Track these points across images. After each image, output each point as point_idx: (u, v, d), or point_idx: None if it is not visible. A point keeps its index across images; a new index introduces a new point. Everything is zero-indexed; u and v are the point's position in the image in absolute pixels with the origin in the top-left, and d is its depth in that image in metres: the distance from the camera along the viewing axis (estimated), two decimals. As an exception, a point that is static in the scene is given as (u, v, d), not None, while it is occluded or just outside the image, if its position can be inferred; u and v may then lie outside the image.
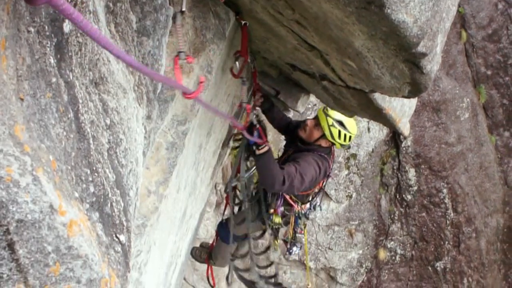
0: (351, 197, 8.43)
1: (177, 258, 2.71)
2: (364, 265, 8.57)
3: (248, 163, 2.46)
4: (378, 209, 8.75)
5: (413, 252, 8.72)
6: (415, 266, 8.71)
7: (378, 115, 3.39)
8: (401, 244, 8.74)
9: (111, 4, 1.04)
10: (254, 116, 2.25)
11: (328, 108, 2.39)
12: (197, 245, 3.64)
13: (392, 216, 8.79)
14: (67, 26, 0.84)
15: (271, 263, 3.17)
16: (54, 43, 0.81)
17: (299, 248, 2.82)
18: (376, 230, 8.71)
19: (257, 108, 2.73)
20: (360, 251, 8.50)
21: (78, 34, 0.89)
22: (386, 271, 8.67)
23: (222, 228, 2.82)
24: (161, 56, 1.27)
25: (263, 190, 2.69)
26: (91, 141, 0.96)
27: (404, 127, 4.26)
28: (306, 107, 6.76)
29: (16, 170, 0.67)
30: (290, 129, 2.84)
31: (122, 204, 1.10)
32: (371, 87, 2.17)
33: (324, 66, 2.25)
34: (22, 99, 0.73)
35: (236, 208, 2.60)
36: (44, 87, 0.79)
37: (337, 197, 8.24)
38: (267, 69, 3.58)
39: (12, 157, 0.67)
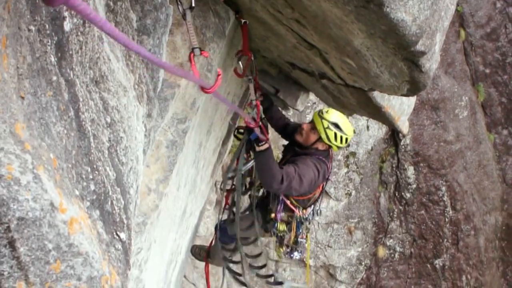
0: (350, 195, 8.45)
1: (177, 256, 2.72)
2: (363, 263, 8.60)
3: (246, 156, 2.46)
4: (377, 207, 8.77)
5: (412, 250, 8.75)
6: (414, 263, 8.75)
7: (377, 113, 3.40)
8: (400, 242, 8.77)
9: (111, 3, 1.04)
10: (255, 113, 2.24)
11: (323, 111, 2.38)
12: (197, 242, 3.64)
13: (391, 214, 8.82)
14: (67, 25, 0.84)
15: (265, 265, 3.16)
16: (54, 42, 0.81)
17: (300, 253, 2.82)
18: (375, 228, 8.74)
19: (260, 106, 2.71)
20: (359, 249, 8.53)
21: (79, 33, 0.89)
22: (385, 269, 8.71)
23: (220, 230, 2.81)
24: (161, 54, 1.27)
25: (265, 197, 2.70)
26: (91, 139, 0.96)
27: (403, 125, 4.27)
28: (306, 106, 6.77)
29: (17, 168, 0.67)
30: (287, 132, 2.85)
31: (123, 202, 1.10)
32: (370, 85, 2.17)
33: (323, 64, 2.25)
34: (23, 98, 0.73)
35: (236, 209, 2.60)
36: (45, 85, 0.80)
37: (336, 195, 8.26)
38: (266, 67, 3.58)
39: (13, 155, 0.67)
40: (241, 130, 2.59)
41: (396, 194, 8.79)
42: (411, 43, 1.36)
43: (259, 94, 2.89)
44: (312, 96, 4.87)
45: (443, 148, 8.68)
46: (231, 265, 3.02)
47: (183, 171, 1.99)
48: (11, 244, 0.70)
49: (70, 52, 0.87)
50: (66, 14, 0.84)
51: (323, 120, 2.34)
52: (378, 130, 8.68)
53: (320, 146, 2.40)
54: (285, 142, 2.89)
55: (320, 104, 7.90)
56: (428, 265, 8.73)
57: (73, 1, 0.49)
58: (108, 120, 1.03)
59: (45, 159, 0.76)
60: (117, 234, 1.03)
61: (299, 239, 2.71)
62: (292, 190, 2.15)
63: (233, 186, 2.71)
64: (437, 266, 8.72)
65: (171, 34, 1.40)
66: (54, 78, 0.82)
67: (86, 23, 0.88)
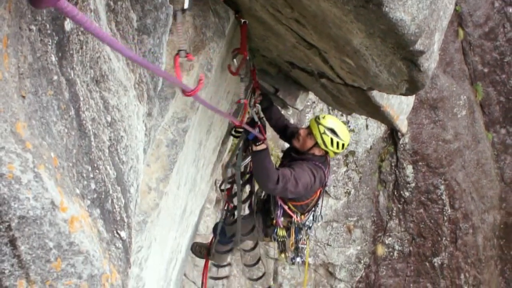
0: (349, 193, 8.47)
1: (177, 254, 2.73)
2: (362, 261, 8.63)
3: (244, 153, 2.47)
4: (376, 206, 8.80)
5: (411, 248, 8.78)
6: (412, 262, 8.78)
7: (376, 112, 3.41)
8: (399, 240, 8.80)
9: (111, 3, 1.04)
10: (255, 113, 2.25)
11: (320, 117, 2.40)
12: (198, 241, 3.66)
13: (390, 212, 8.85)
14: (68, 25, 0.84)
15: (258, 260, 3.18)
16: (55, 41, 0.81)
17: (301, 259, 2.84)
18: (374, 226, 8.77)
19: (258, 105, 2.73)
20: (359, 247, 8.56)
21: (79, 32, 0.89)
22: (384, 267, 8.74)
23: (216, 232, 2.82)
24: (161, 54, 1.27)
25: (265, 200, 2.71)
26: (92, 138, 0.96)
27: (402, 124, 4.28)
28: (305, 105, 6.77)
29: (17, 167, 0.68)
30: (286, 136, 2.86)
31: (123, 201, 1.10)
32: (369, 84, 2.17)
33: (323, 64, 2.25)
34: (23, 97, 0.73)
35: (238, 209, 2.61)
36: (46, 85, 0.80)
37: (335, 194, 8.29)
38: (266, 67, 3.58)
39: (14, 154, 0.67)
40: (238, 129, 2.60)
41: (395, 193, 8.81)
42: (410, 42, 1.36)
43: (259, 93, 2.90)
44: (311, 95, 4.88)
45: (441, 147, 8.71)
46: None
47: (183, 170, 1.99)
48: (12, 242, 0.71)
49: (71, 52, 0.87)
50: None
51: (320, 126, 2.36)
52: (377, 129, 8.70)
53: (316, 152, 2.42)
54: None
55: (320, 103, 7.92)
56: (427, 263, 8.76)
57: (60, 4, 0.49)
58: (109, 119, 1.04)
59: (46, 158, 0.76)
60: (117, 233, 1.03)
61: (299, 245, 2.73)
62: (288, 192, 2.17)
63: (233, 179, 2.72)
64: (435, 264, 8.75)
65: (171, 33, 1.40)
66: (55, 77, 0.83)
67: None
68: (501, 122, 9.23)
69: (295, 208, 2.58)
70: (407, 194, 8.73)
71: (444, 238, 8.72)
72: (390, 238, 8.78)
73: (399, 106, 3.82)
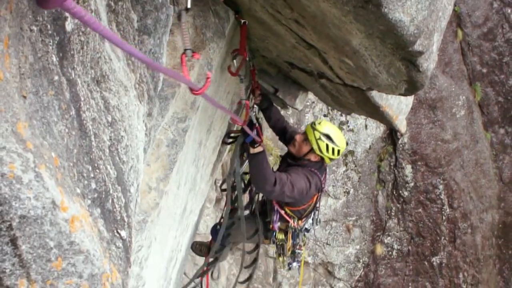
0: (348, 193, 8.49)
1: (177, 253, 2.73)
2: (361, 260, 8.66)
3: (241, 158, 2.48)
4: (375, 205, 8.82)
5: (410, 247, 8.81)
6: (411, 261, 8.81)
7: (375, 112, 3.41)
8: (398, 240, 8.83)
9: (112, 3, 1.04)
10: (253, 114, 2.25)
11: (316, 123, 2.42)
12: (197, 240, 3.67)
13: (389, 212, 8.87)
14: (69, 25, 0.85)
15: (254, 260, 3.19)
16: (56, 42, 0.82)
17: (298, 264, 2.86)
18: (373, 225, 8.79)
19: (255, 106, 2.74)
20: (358, 246, 8.58)
21: (80, 33, 0.89)
22: (383, 266, 8.77)
23: (216, 233, 2.83)
24: (162, 54, 1.27)
25: (263, 203, 2.73)
26: (92, 138, 0.97)
27: (401, 124, 4.29)
28: (305, 105, 6.78)
29: (18, 167, 0.68)
30: (285, 139, 2.87)
31: (123, 200, 1.11)
32: (368, 85, 2.18)
33: (322, 64, 2.25)
34: (24, 97, 0.74)
35: (240, 212, 2.62)
36: (47, 85, 0.80)
37: (335, 193, 8.30)
38: (266, 67, 3.58)
39: (15, 154, 0.68)
40: (232, 135, 2.61)
41: (394, 192, 8.83)
42: (409, 43, 1.37)
43: (258, 94, 2.90)
44: (311, 96, 4.89)
45: (440, 146, 8.73)
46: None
47: (183, 169, 2.00)
48: (13, 242, 0.71)
49: (72, 52, 0.88)
50: (68, 14, 0.84)
51: (315, 131, 2.37)
52: (376, 129, 8.72)
53: (312, 158, 2.43)
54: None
55: (319, 103, 7.93)
56: (426, 263, 8.79)
57: (67, 4, 0.49)
58: (109, 119, 1.04)
59: (46, 157, 0.76)
60: (118, 232, 1.04)
61: (296, 250, 2.75)
62: (285, 196, 2.18)
63: (234, 184, 2.74)
64: (434, 263, 8.78)
65: (172, 34, 1.41)
66: (56, 77, 0.83)
67: (87, 23, 0.89)
68: (499, 122, 9.26)
69: (293, 213, 2.60)
70: (406, 193, 8.75)
71: (442, 238, 8.75)
72: (389, 238, 8.81)
73: (398, 106, 3.83)
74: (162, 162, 1.60)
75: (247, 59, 2.06)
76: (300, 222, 2.64)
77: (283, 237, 2.67)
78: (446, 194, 8.76)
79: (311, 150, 2.41)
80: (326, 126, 2.40)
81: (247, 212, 3.00)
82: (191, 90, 1.02)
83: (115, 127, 1.07)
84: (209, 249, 3.22)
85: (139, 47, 1.17)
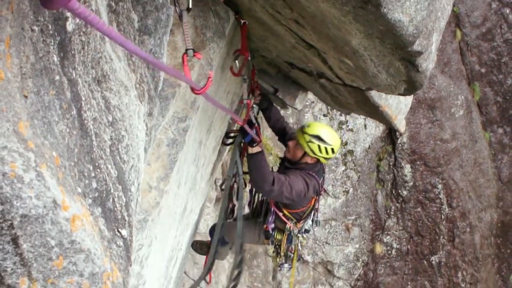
0: (348, 192, 8.51)
1: (177, 252, 2.74)
2: (360, 259, 8.67)
3: (240, 158, 2.49)
4: (375, 204, 8.84)
5: (409, 247, 8.83)
6: (410, 260, 8.83)
7: (375, 112, 3.42)
8: (397, 239, 8.85)
9: (113, 3, 1.04)
10: (253, 114, 2.26)
11: (305, 126, 2.43)
12: (197, 239, 3.67)
13: (388, 211, 8.89)
14: (70, 25, 0.85)
15: (240, 261, 3.20)
16: (57, 42, 0.82)
17: (289, 266, 2.86)
18: (373, 224, 8.81)
19: (255, 106, 2.75)
20: (357, 246, 8.60)
21: (81, 33, 0.90)
22: (382, 265, 8.79)
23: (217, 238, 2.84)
24: (162, 54, 1.28)
25: (261, 203, 2.74)
26: (93, 138, 0.97)
27: (400, 124, 4.30)
28: (304, 105, 6.79)
29: (20, 166, 0.68)
30: (285, 140, 2.88)
31: (124, 199, 1.11)
32: (367, 85, 2.19)
33: (322, 64, 2.26)
34: (26, 97, 0.74)
35: (239, 215, 2.63)
36: (48, 84, 0.80)
37: (334, 193, 8.32)
38: (265, 67, 3.58)
39: (16, 153, 0.68)
40: (232, 134, 2.62)
41: (393, 192, 8.85)
42: (408, 43, 1.37)
43: (258, 93, 2.91)
44: (310, 95, 4.89)
45: (439, 146, 8.75)
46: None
47: (184, 169, 2.00)
48: (14, 240, 0.71)
49: (73, 52, 0.88)
50: (68, 14, 0.85)
51: (305, 135, 2.39)
52: (375, 129, 8.73)
53: (308, 160, 2.45)
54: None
55: (319, 103, 7.93)
56: (425, 262, 8.81)
57: (71, 5, 0.50)
58: (110, 118, 1.04)
59: (48, 157, 0.77)
60: (118, 231, 1.04)
61: (288, 253, 2.76)
62: (283, 196, 2.19)
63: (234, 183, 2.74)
64: (433, 262, 8.80)
65: (172, 34, 1.41)
66: (57, 77, 0.83)
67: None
68: (498, 122, 9.29)
69: (291, 215, 2.61)
70: (405, 193, 8.77)
71: (441, 237, 8.77)
72: (388, 237, 8.83)
73: (397, 106, 3.84)
74: (162, 162, 1.60)
75: (249, 58, 2.07)
76: (298, 224, 2.66)
77: (281, 237, 2.69)
78: (445, 194, 8.78)
79: (305, 153, 2.42)
80: (315, 128, 2.41)
81: (247, 211, 3.01)
82: (193, 89, 1.03)
83: (116, 127, 1.08)
84: (209, 248, 3.22)
85: (139, 47, 1.17)
